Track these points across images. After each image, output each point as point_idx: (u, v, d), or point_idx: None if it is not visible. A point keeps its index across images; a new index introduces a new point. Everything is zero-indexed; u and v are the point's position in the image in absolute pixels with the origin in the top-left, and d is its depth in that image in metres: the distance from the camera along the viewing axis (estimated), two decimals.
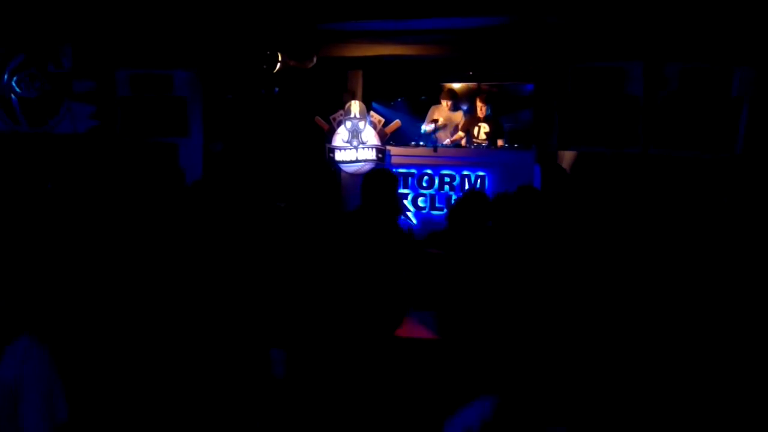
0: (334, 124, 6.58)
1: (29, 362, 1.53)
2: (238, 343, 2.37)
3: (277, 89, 6.60)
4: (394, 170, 6.48)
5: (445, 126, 7.31)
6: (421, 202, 6.49)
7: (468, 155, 6.57)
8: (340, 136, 6.52)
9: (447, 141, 7.07)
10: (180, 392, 2.25)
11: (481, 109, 7.12)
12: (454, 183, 6.42)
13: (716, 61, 4.76)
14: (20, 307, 1.69)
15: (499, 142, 7.06)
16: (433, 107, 7.40)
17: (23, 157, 5.65)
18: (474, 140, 7.07)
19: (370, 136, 6.48)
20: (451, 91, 7.53)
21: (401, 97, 8.97)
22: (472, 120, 7.23)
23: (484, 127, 7.10)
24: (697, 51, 4.91)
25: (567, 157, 6.50)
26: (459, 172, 6.42)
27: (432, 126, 7.15)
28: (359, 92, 7.24)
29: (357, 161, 6.47)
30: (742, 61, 4.66)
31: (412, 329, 2.53)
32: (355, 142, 6.45)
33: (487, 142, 7.03)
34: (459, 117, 7.31)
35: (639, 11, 5.21)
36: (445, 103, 7.25)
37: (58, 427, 1.56)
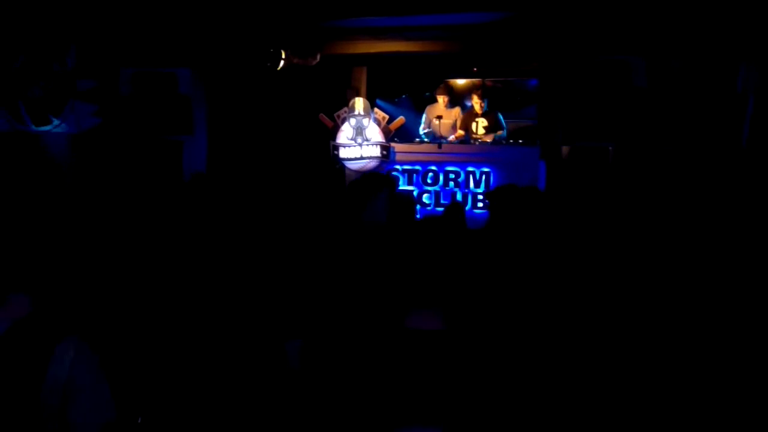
0: (339, 122, 6.58)
1: (79, 363, 1.55)
2: (251, 336, 2.38)
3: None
4: (398, 166, 6.51)
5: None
6: (425, 198, 6.48)
7: (472, 151, 6.55)
8: (345, 133, 6.52)
9: (451, 138, 7.01)
10: (195, 388, 2.26)
11: (478, 104, 6.96)
12: (459, 179, 6.41)
13: (722, 56, 4.74)
14: (69, 306, 1.71)
15: (498, 132, 6.90)
16: (428, 107, 7.24)
17: (28, 155, 5.66)
18: (473, 136, 6.96)
19: (374, 133, 6.48)
20: (447, 86, 7.42)
21: (405, 94, 8.95)
22: (469, 116, 7.08)
23: (482, 122, 6.95)
24: (703, 45, 4.89)
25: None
26: (464, 168, 6.41)
27: (429, 130, 7.05)
28: (363, 89, 7.22)
29: (361, 158, 6.47)
30: (748, 55, 4.64)
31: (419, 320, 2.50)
32: (360, 139, 6.45)
33: (484, 136, 6.96)
34: (456, 113, 7.16)
35: (643, 6, 5.19)
36: (442, 100, 7.09)
37: (106, 426, 1.58)
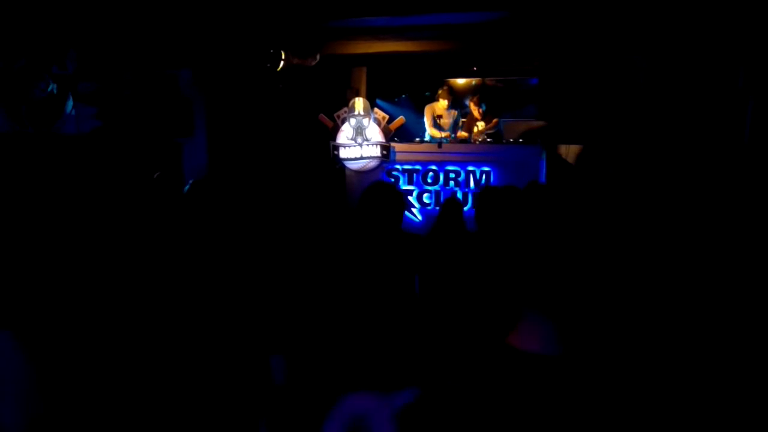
0: (339, 122, 6.58)
1: (5, 358, 1.55)
2: (237, 347, 2.35)
3: (280, 85, 6.58)
4: (399, 166, 6.51)
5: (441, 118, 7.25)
6: (426, 198, 6.47)
7: (473, 151, 6.53)
8: (345, 133, 6.51)
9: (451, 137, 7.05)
10: (175, 396, 2.23)
11: (476, 111, 7.18)
12: (459, 179, 6.39)
13: (723, 53, 4.72)
14: (5, 303, 1.71)
15: (494, 121, 7.09)
16: (428, 106, 7.33)
17: (28, 158, 5.67)
18: (474, 137, 7.05)
19: (374, 133, 6.47)
20: (450, 89, 7.50)
21: (405, 94, 8.96)
22: (470, 120, 7.26)
23: (480, 125, 7.11)
24: (704, 43, 4.87)
25: (572, 150, 6.47)
26: (464, 168, 6.40)
27: (438, 132, 7.08)
28: (363, 89, 7.22)
29: (361, 158, 6.46)
30: (749, 53, 4.62)
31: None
32: (360, 139, 6.44)
33: (484, 137, 7.00)
34: (455, 114, 7.28)
35: (644, 4, 5.17)
36: (444, 102, 7.20)
37: (35, 419, 1.59)
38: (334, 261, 2.81)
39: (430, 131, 7.21)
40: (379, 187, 2.85)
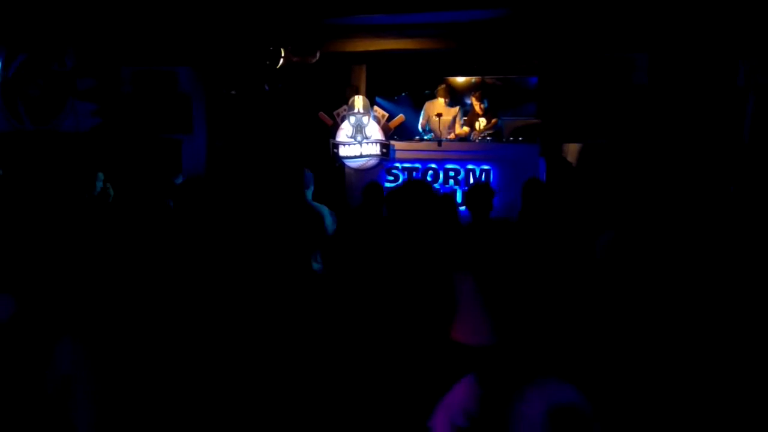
0: (338, 120, 6.57)
1: (78, 361, 1.57)
2: (248, 341, 2.36)
3: (280, 85, 6.59)
4: (398, 164, 6.50)
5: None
6: None
7: (472, 149, 6.53)
8: (344, 131, 6.50)
9: (451, 135, 7.03)
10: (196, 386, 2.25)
11: (478, 105, 7.17)
12: (459, 177, 6.39)
13: (722, 52, 4.73)
14: (63, 307, 1.71)
15: (494, 121, 7.10)
16: (427, 102, 7.34)
17: (28, 154, 5.66)
18: (475, 134, 7.05)
19: (374, 131, 6.46)
20: (449, 87, 7.50)
21: (405, 92, 8.96)
22: (472, 115, 7.24)
23: (482, 122, 7.10)
24: (703, 42, 4.87)
25: (572, 149, 6.47)
26: (463, 166, 6.39)
27: (431, 132, 7.08)
28: (363, 87, 7.21)
29: (361, 156, 6.45)
30: (748, 51, 4.62)
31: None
32: (359, 137, 6.43)
33: (486, 134, 6.99)
34: (456, 112, 7.26)
35: (643, 2, 5.17)
36: (442, 100, 7.20)
37: (103, 419, 1.61)
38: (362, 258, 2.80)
39: (420, 127, 7.22)
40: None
